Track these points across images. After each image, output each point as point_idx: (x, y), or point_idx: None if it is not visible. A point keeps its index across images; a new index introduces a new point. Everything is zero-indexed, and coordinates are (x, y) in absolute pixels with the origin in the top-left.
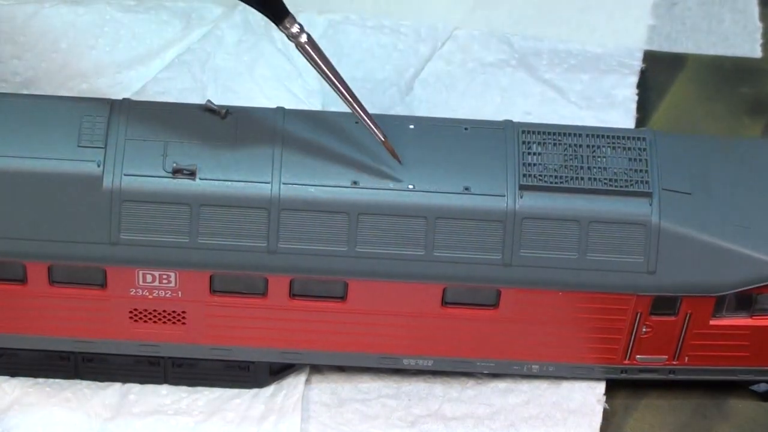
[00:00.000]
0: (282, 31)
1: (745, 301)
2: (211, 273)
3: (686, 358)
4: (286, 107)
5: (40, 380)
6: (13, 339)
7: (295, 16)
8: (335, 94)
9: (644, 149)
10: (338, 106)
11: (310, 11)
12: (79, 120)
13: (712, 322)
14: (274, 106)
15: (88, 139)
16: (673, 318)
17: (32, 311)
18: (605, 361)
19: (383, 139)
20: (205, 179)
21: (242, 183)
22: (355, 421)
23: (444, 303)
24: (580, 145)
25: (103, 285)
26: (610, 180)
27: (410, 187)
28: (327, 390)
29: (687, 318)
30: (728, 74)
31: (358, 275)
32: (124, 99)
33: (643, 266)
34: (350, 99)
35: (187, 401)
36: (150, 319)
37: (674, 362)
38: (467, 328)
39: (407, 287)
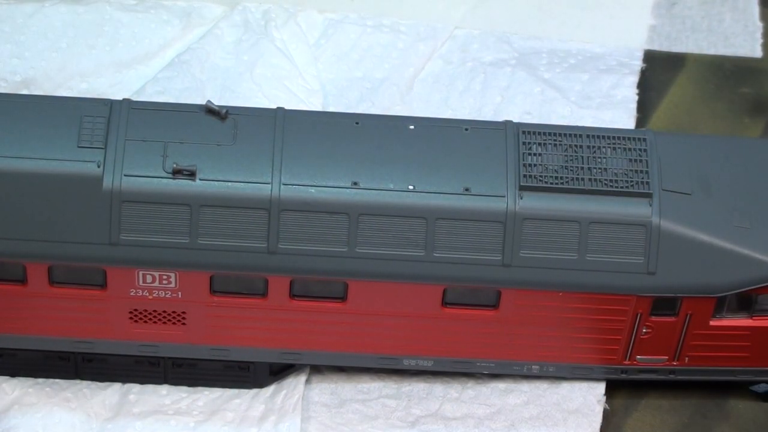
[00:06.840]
0: None
1: (745, 302)
2: (211, 273)
3: (686, 359)
4: (286, 107)
5: (40, 380)
6: (13, 339)
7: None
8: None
9: (644, 149)
10: (338, 106)
11: (310, 11)
12: (79, 120)
13: (712, 323)
14: (274, 106)
15: (88, 139)
16: (673, 318)
17: (32, 311)
18: (605, 361)
19: None
20: (205, 179)
21: (242, 183)
22: (355, 421)
23: (444, 303)
24: (580, 146)
25: (103, 285)
26: (610, 180)
27: (410, 187)
28: (327, 390)
29: (687, 318)
30: (728, 74)
31: (358, 276)
32: (124, 99)
33: (644, 267)
34: None
35: (187, 401)
36: (150, 319)
37: (674, 363)
38: (467, 328)
39: (407, 288)
